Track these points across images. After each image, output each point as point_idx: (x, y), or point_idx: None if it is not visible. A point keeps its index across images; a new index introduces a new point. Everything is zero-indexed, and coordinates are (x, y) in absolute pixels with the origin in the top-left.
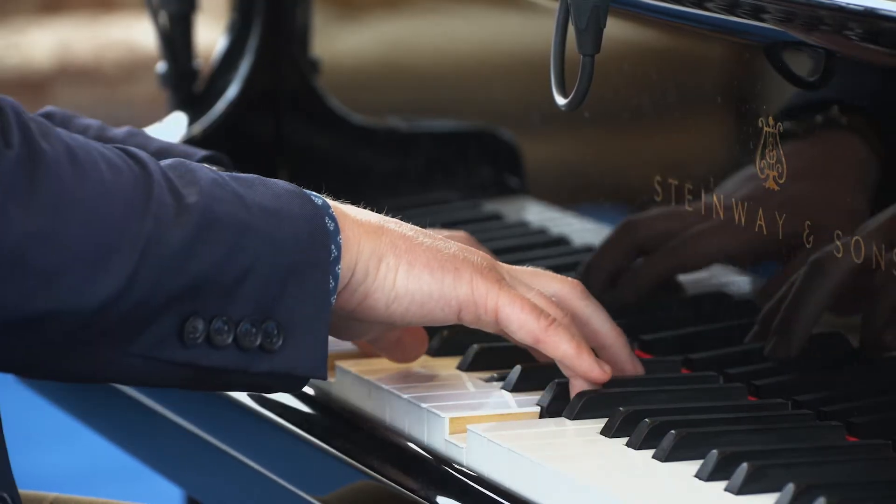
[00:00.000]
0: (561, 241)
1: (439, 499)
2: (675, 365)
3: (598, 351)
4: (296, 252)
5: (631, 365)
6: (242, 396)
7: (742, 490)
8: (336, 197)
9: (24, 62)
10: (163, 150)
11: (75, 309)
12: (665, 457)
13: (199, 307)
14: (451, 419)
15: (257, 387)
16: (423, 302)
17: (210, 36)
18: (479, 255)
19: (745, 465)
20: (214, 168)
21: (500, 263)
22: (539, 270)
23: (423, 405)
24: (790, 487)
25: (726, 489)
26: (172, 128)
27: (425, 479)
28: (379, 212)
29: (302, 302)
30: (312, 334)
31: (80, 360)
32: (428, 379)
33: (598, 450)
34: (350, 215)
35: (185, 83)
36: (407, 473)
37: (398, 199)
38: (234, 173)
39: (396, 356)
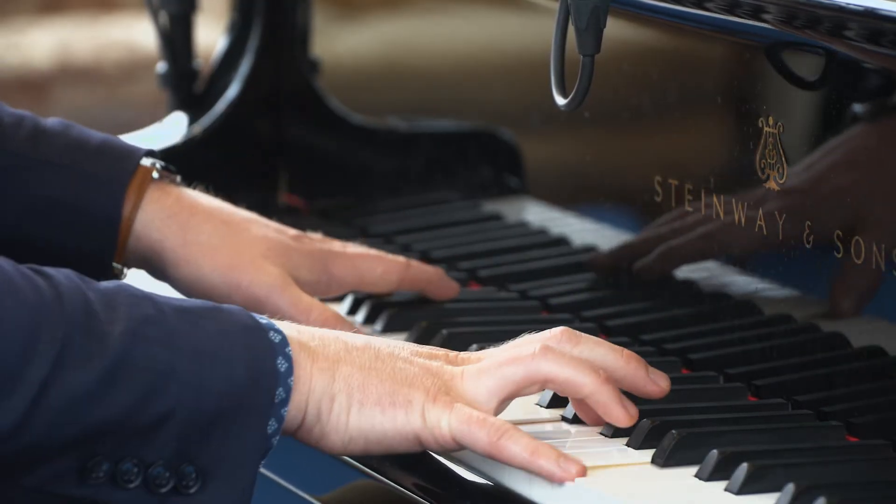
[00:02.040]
0: (561, 241)
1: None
2: (676, 365)
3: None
4: (227, 397)
5: (619, 411)
6: None
7: (742, 490)
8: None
9: (24, 62)
10: (104, 145)
11: None
12: (665, 457)
13: (105, 450)
14: None
15: None
16: (380, 440)
17: (210, 36)
18: (436, 376)
19: (745, 465)
20: (151, 296)
21: (472, 358)
22: (510, 347)
23: None
24: (790, 487)
25: (726, 489)
26: (172, 128)
27: (423, 477)
28: (378, 211)
29: (229, 447)
30: (237, 480)
31: None
32: None
33: (598, 450)
34: (308, 347)
35: (185, 83)
36: (406, 473)
37: (398, 199)
38: (190, 302)
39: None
